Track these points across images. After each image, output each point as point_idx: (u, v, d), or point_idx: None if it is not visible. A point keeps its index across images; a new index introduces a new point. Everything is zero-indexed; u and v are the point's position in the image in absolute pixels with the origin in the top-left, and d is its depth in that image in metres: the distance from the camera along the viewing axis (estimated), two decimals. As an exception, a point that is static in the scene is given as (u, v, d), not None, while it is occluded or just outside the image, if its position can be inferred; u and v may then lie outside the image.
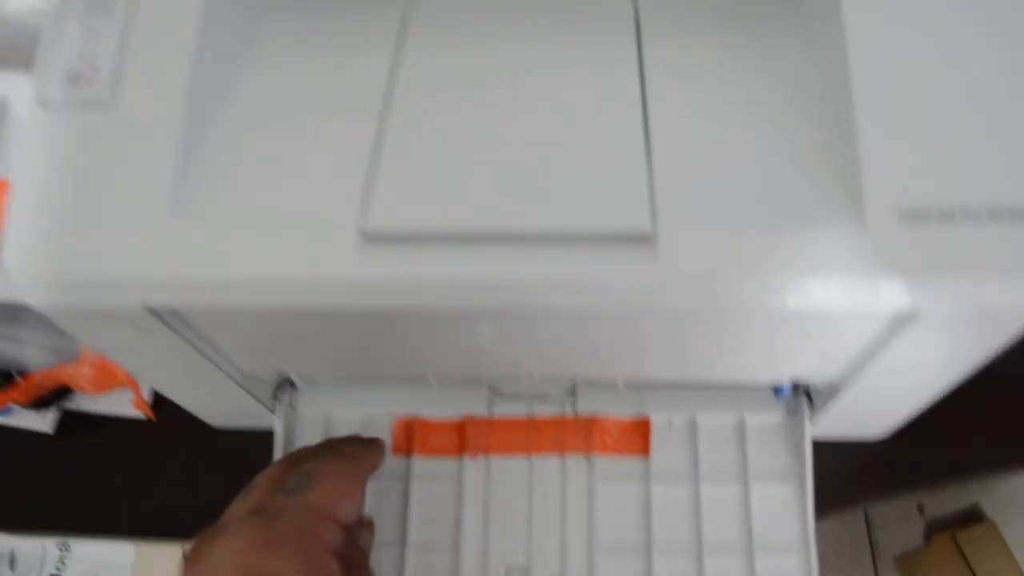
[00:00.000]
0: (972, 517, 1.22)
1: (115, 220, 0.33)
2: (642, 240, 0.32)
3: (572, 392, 0.50)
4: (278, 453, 0.49)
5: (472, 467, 0.48)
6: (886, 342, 0.36)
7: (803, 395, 0.47)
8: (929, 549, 1.21)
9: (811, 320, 0.36)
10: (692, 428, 0.49)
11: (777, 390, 0.48)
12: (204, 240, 0.33)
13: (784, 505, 0.47)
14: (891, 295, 0.32)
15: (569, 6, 0.40)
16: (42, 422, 0.55)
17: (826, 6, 0.35)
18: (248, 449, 0.52)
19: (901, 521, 1.24)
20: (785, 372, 0.44)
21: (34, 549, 1.36)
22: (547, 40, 0.38)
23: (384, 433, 0.50)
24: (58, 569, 1.36)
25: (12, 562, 1.36)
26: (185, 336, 0.38)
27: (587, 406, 0.49)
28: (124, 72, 0.36)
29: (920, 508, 1.24)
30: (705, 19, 0.39)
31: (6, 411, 0.54)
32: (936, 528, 1.22)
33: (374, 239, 0.33)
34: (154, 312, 0.35)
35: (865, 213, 0.31)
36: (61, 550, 1.36)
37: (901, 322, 0.34)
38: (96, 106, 0.35)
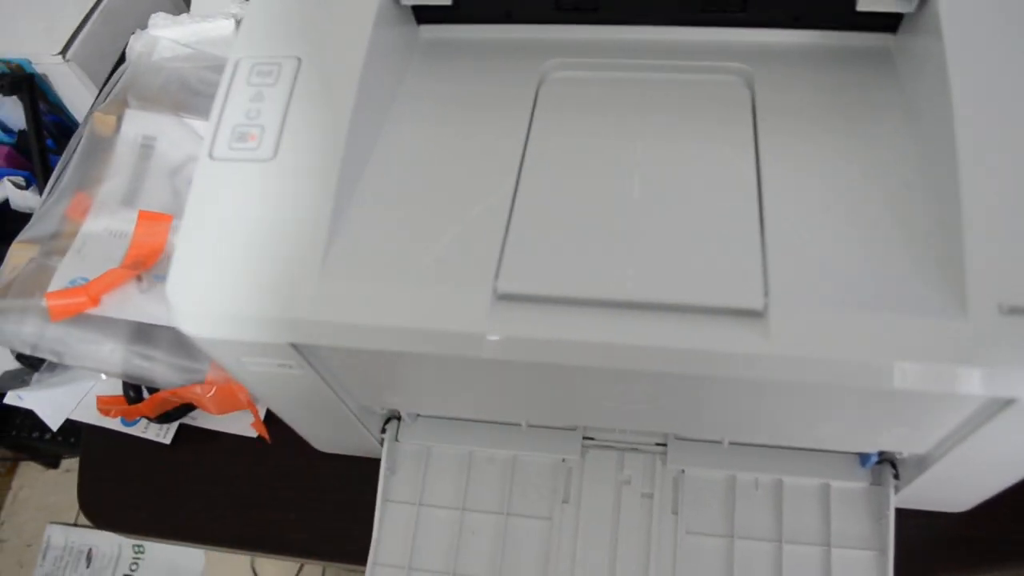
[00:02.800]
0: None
1: (271, 266, 0.37)
2: (754, 316, 0.34)
3: (663, 444, 0.52)
4: (383, 481, 0.52)
5: (563, 511, 0.51)
6: (980, 425, 0.38)
7: (889, 465, 0.49)
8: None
9: (908, 399, 0.37)
10: (778, 489, 0.50)
11: (863, 458, 0.50)
12: (350, 289, 0.37)
13: (864, 571, 0.48)
14: (988, 383, 0.33)
15: (691, 92, 0.43)
16: (162, 435, 0.59)
17: (936, 99, 0.37)
18: (351, 473, 0.56)
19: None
20: (875, 444, 0.46)
21: (110, 548, 1.42)
22: (671, 123, 0.41)
23: (482, 470, 0.53)
24: (131, 570, 1.41)
25: (89, 559, 1.43)
26: (318, 371, 0.42)
27: (677, 459, 0.51)
28: (285, 134, 0.40)
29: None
30: (818, 108, 0.41)
31: (133, 422, 0.59)
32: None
33: (506, 299, 0.36)
34: (296, 348, 0.39)
35: (967, 303, 0.33)
36: (136, 551, 1.42)
37: (997, 407, 0.36)
38: (260, 162, 0.39)
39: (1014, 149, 0.35)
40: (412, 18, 0.47)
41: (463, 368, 0.41)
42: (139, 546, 1.41)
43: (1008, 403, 0.35)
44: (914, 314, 0.34)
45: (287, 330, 0.37)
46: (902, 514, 0.49)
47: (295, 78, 0.41)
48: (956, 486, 0.48)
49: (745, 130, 0.41)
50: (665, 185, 0.39)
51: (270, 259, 0.37)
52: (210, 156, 0.40)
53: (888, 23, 0.43)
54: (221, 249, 0.38)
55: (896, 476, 0.48)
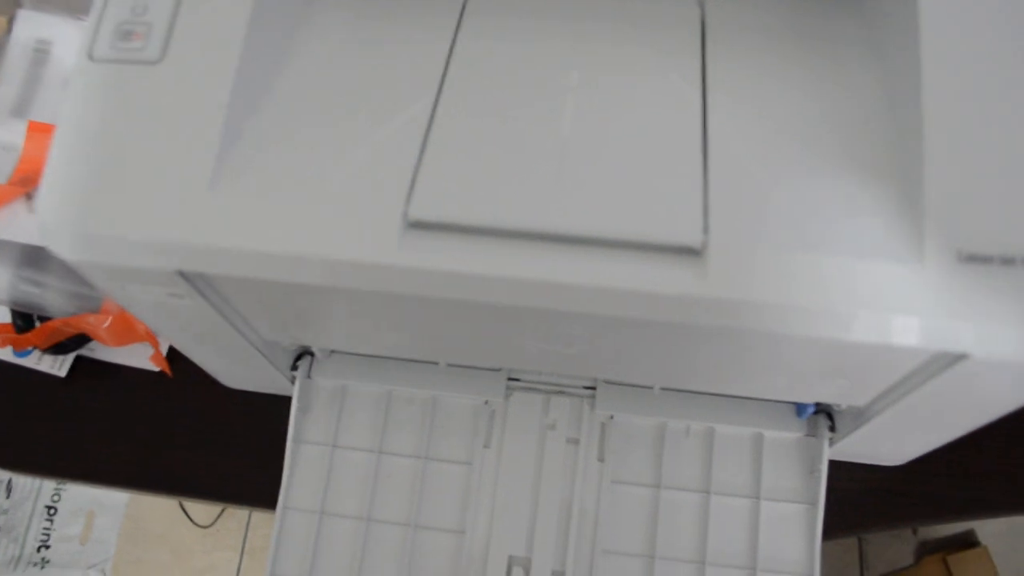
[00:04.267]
0: (965, 542, 1.21)
1: (155, 182, 0.33)
2: (692, 254, 0.31)
3: (591, 387, 0.49)
4: (294, 421, 0.48)
5: (484, 455, 0.48)
6: (926, 380, 0.35)
7: (825, 416, 0.47)
8: (919, 569, 1.21)
9: (852, 350, 0.35)
10: (709, 437, 0.48)
11: (800, 408, 0.48)
12: (244, 211, 0.32)
13: (793, 525, 0.47)
14: (941, 336, 0.31)
15: (636, 5, 0.39)
16: (57, 366, 0.54)
17: (902, 28, 0.34)
18: (260, 412, 0.52)
19: (893, 539, 1.24)
20: (813, 395, 0.44)
21: (31, 479, 1.37)
22: (608, 38, 0.37)
23: (401, 410, 0.49)
24: (53, 500, 1.37)
25: (8, 490, 1.37)
26: (212, 301, 0.38)
27: (605, 405, 0.48)
28: (175, 32, 0.35)
29: (913, 528, 1.24)
30: (773, 30, 0.38)
31: (24, 353, 0.54)
32: (927, 549, 1.22)
33: (417, 226, 0.32)
34: (184, 276, 0.35)
35: (925, 250, 0.31)
36: (57, 483, 1.37)
37: (946, 362, 0.33)
38: (145, 64, 0.35)
39: (984, 86, 0.32)
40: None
41: (373, 303, 0.37)
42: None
43: (958, 358, 0.32)
44: (865, 258, 0.31)
45: (172, 255, 0.33)
46: (835, 466, 0.47)
47: (189, -32, 0.36)
48: (894, 441, 0.46)
49: (692, 50, 0.37)
50: (601, 107, 0.35)
51: (153, 174, 0.33)
52: (89, 56, 0.35)
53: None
54: (99, 161, 0.34)
55: (832, 428, 0.47)
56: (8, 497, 1.37)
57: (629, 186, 0.33)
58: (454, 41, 0.37)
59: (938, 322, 0.30)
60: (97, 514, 1.36)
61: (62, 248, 0.34)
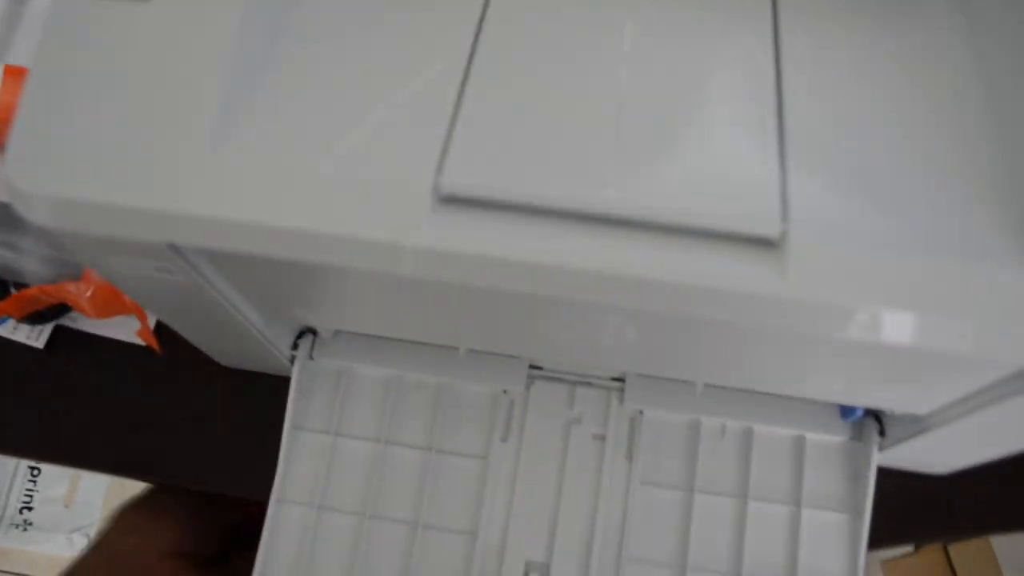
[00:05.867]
0: (967, 531, 1.19)
1: (145, 140, 0.28)
2: (768, 246, 0.27)
3: (620, 379, 0.45)
4: (292, 405, 0.44)
5: (501, 449, 0.44)
6: (1009, 395, 0.31)
7: (874, 420, 0.43)
8: (918, 556, 1.19)
9: (935, 359, 0.31)
10: (747, 437, 0.44)
11: (845, 410, 0.43)
12: (247, 178, 0.28)
13: (836, 535, 0.43)
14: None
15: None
16: (34, 337, 0.50)
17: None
18: (256, 392, 0.48)
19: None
20: (871, 399, 0.40)
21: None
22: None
23: (409, 396, 0.45)
24: (34, 475, 1.33)
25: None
26: (206, 277, 0.33)
27: (635, 398, 0.44)
28: (171, -41, 0.30)
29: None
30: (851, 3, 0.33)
31: (-2, 321, 0.49)
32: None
33: (450, 201, 0.27)
34: (177, 250, 0.30)
35: (1032, 252, 0.26)
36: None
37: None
38: (133, 0, 0.30)
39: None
40: None
41: (391, 284, 0.32)
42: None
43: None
44: (964, 260, 0.27)
45: (163, 226, 0.28)
46: (877, 472, 0.43)
47: None
48: (947, 452, 0.42)
49: (763, 9, 0.32)
50: (661, 72, 0.31)
51: (142, 132, 0.28)
52: (70, -11, 0.30)
53: None
54: (78, 115, 0.29)
55: (881, 433, 0.43)
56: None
57: (693, 163, 0.28)
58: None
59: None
60: (82, 476, 1.32)
61: (35, 214, 0.29)
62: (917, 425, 0.39)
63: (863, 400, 0.40)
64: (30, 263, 0.47)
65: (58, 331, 0.50)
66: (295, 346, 0.45)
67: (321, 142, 0.28)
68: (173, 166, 0.28)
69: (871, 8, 0.33)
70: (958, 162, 0.29)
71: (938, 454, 0.43)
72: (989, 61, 0.31)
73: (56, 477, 1.32)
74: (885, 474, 0.44)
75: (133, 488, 0.51)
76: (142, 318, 0.48)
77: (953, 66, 0.31)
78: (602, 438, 0.44)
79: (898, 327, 0.26)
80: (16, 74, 0.48)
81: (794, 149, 0.28)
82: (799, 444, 0.44)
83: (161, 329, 0.49)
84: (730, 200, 0.27)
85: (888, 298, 0.26)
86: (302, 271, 0.32)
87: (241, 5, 0.29)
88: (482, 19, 0.31)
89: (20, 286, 0.48)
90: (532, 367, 0.45)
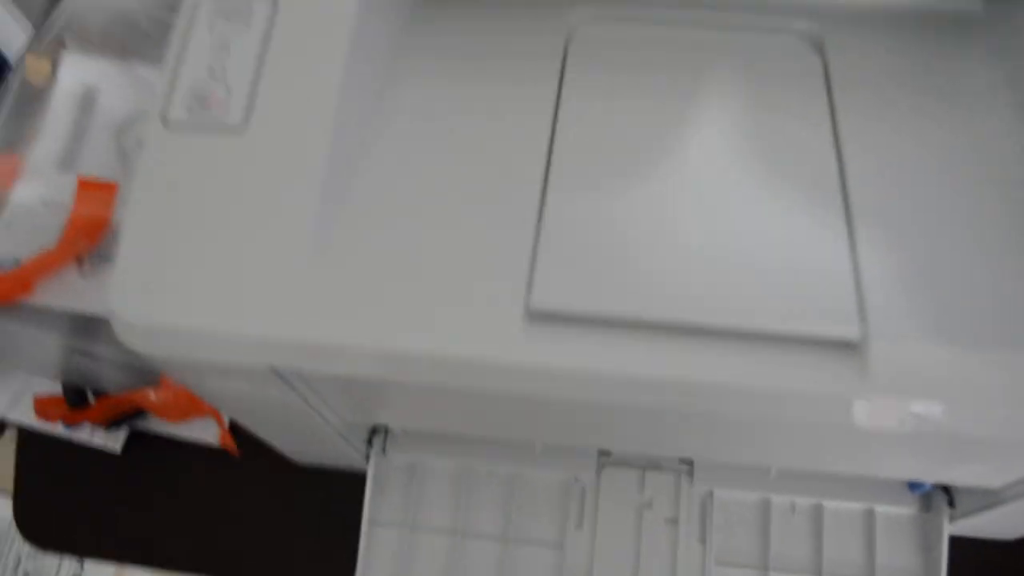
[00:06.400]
0: None
1: (244, 267, 0.30)
2: (849, 348, 0.28)
3: (688, 461, 0.46)
4: (369, 501, 0.45)
5: (576, 537, 0.45)
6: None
7: (942, 491, 0.43)
8: None
9: (1011, 445, 0.31)
10: (817, 513, 0.45)
11: (914, 484, 0.44)
12: (346, 301, 0.29)
13: (912, 609, 0.43)
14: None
15: (749, 57, 0.36)
16: (112, 441, 0.51)
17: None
18: (330, 488, 0.49)
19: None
20: (947, 477, 0.40)
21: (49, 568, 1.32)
22: (728, 97, 0.34)
23: (481, 486, 0.46)
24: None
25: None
26: (299, 392, 0.35)
27: (705, 479, 0.45)
28: (259, 95, 0.32)
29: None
30: (905, 83, 0.35)
31: (75, 425, 0.51)
32: None
33: (540, 318, 0.29)
34: (277, 373, 0.32)
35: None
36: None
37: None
38: (227, 132, 0.32)
39: None
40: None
41: (481, 393, 0.34)
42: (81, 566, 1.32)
43: None
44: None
45: (267, 352, 0.30)
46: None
47: (270, 23, 0.33)
48: (1017, 520, 0.43)
49: (820, 107, 0.34)
50: (727, 175, 0.32)
51: (243, 260, 0.30)
52: (163, 122, 0.32)
53: (980, -16, 0.36)
54: (179, 246, 0.30)
55: (951, 504, 0.43)
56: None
57: (769, 268, 0.30)
58: (557, 103, 0.34)
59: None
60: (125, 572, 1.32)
61: (138, 342, 0.31)
62: (990, 498, 0.40)
63: (938, 476, 0.41)
64: (108, 371, 0.48)
65: (133, 434, 0.52)
66: (369, 442, 0.46)
67: (413, 264, 0.30)
68: (273, 290, 0.29)
69: (924, 96, 0.34)
70: (1016, 252, 0.30)
71: (1009, 524, 0.43)
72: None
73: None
74: (953, 542, 0.44)
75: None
76: (220, 421, 0.49)
77: (1009, 152, 0.33)
78: (674, 521, 0.45)
79: (972, 420, 0.27)
80: (89, 186, 0.50)
81: (865, 248, 0.30)
82: (869, 518, 0.44)
83: (233, 427, 0.51)
84: (807, 304, 0.29)
85: (963, 394, 0.27)
86: (392, 383, 0.33)
87: (330, 133, 0.31)
88: (552, 138, 0.33)
89: (98, 393, 0.49)
90: (601, 452, 0.46)
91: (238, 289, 0.30)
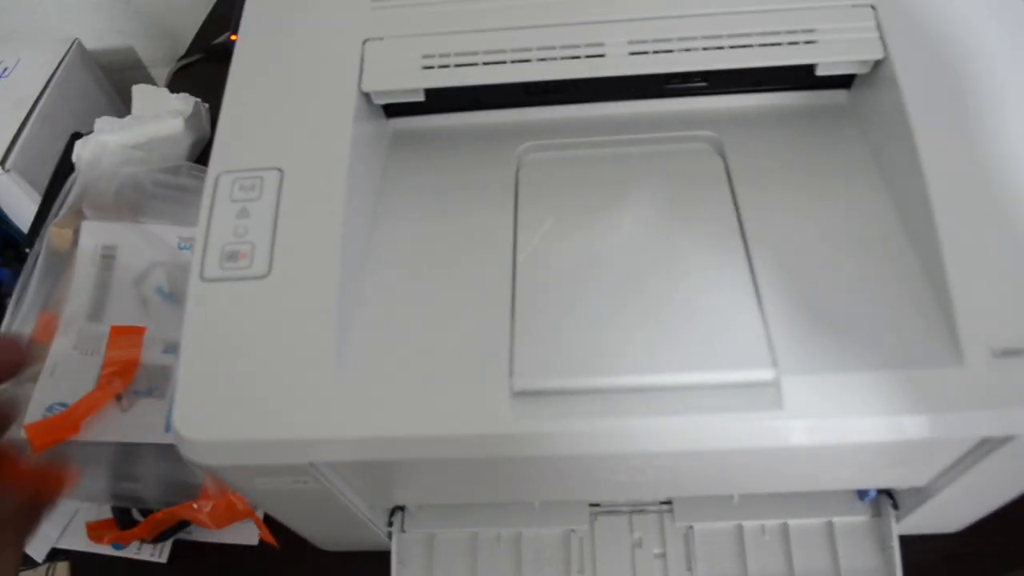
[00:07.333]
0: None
1: (281, 385, 0.37)
2: (766, 387, 0.36)
3: (668, 503, 0.53)
4: (395, 571, 0.51)
5: (579, 581, 0.51)
6: (979, 460, 0.39)
7: (887, 496, 0.50)
8: None
9: (912, 445, 0.39)
10: (784, 532, 0.52)
11: (861, 493, 0.51)
12: (368, 401, 0.36)
13: (877, 603, 0.50)
14: (989, 425, 0.35)
15: (665, 164, 0.44)
16: (158, 554, 0.57)
17: (901, 148, 0.40)
18: (356, 571, 0.55)
19: None
20: (876, 482, 0.48)
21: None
22: (651, 197, 0.43)
23: (490, 550, 0.52)
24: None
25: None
26: (332, 483, 0.41)
27: (684, 516, 0.52)
28: (277, 248, 0.39)
29: None
30: (790, 168, 0.43)
31: (125, 544, 0.57)
32: None
33: (523, 395, 0.36)
34: (314, 466, 0.39)
35: (962, 351, 0.35)
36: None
37: (996, 443, 0.38)
38: (255, 280, 0.39)
39: (984, 190, 0.38)
40: (382, 113, 0.47)
41: (482, 465, 0.41)
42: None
43: (1007, 439, 0.37)
44: (915, 367, 0.35)
45: (307, 450, 0.37)
46: (901, 539, 0.50)
47: (279, 190, 0.41)
48: (954, 511, 0.50)
49: (724, 197, 0.42)
50: (656, 261, 0.40)
51: (279, 379, 0.37)
52: (201, 277, 0.39)
53: (843, 81, 0.45)
54: (226, 374, 0.38)
55: (895, 506, 0.50)
56: None
57: (699, 331, 0.37)
58: (516, 216, 0.42)
59: (983, 414, 0.35)
60: None
61: (201, 457, 0.38)
62: (922, 494, 0.47)
63: (872, 483, 0.48)
64: (150, 489, 0.55)
65: (177, 543, 0.58)
66: (390, 523, 0.52)
67: (415, 367, 0.37)
68: (307, 400, 0.36)
69: (807, 175, 0.42)
70: (894, 292, 0.38)
71: (946, 514, 0.50)
72: (904, 209, 0.40)
73: None
74: (906, 540, 0.51)
75: None
76: (258, 523, 0.55)
77: (877, 211, 0.41)
78: (663, 555, 0.51)
79: (875, 430, 0.35)
80: (119, 331, 0.58)
81: (769, 305, 0.38)
82: (829, 528, 0.51)
83: (266, 523, 0.57)
84: (733, 355, 0.36)
85: (862, 409, 0.35)
86: (410, 464, 0.40)
87: (337, 272, 0.39)
88: (514, 249, 0.41)
89: (143, 511, 0.55)
90: (591, 504, 0.53)
91: (278, 403, 0.37)
